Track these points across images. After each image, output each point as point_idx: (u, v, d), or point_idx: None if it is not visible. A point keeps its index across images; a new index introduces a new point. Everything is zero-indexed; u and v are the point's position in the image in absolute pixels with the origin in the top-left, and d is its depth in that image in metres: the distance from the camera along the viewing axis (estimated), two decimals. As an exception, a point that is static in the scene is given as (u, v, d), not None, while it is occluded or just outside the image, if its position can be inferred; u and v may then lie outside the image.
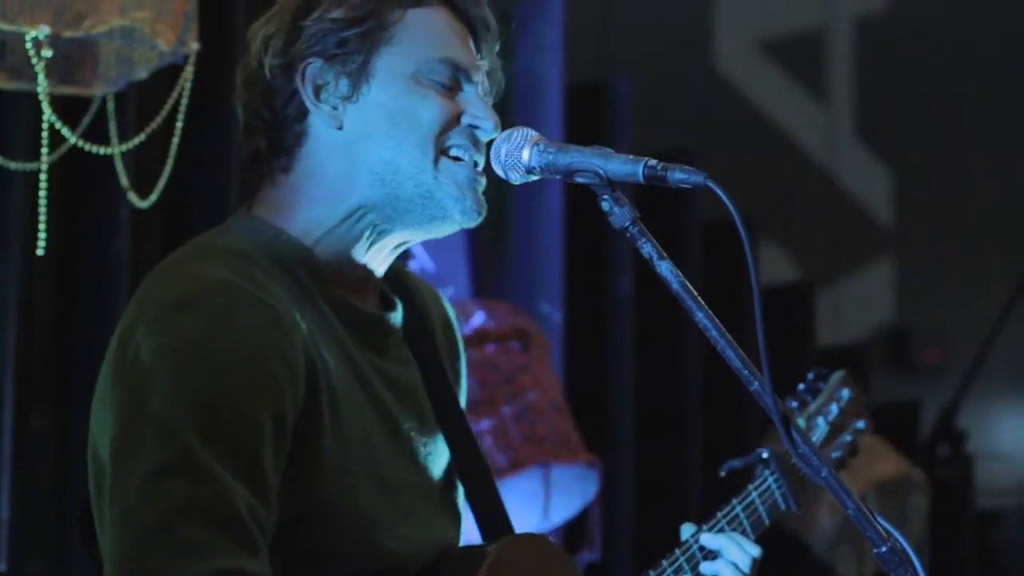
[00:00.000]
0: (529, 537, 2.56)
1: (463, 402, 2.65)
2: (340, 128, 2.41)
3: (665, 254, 2.21)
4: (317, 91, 2.41)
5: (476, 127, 2.43)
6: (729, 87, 7.48)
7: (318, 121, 2.42)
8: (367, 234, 2.43)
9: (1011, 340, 6.97)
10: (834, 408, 2.89)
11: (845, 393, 2.91)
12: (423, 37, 2.42)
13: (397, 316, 2.50)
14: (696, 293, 2.20)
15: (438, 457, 2.51)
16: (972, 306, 7.45)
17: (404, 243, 2.47)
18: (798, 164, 7.71)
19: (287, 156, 2.43)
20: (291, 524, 2.26)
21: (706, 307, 2.20)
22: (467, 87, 2.45)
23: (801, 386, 2.91)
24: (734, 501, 2.72)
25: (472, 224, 2.44)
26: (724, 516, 2.71)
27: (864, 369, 6.49)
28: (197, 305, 2.23)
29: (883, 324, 8.00)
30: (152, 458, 2.15)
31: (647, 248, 2.21)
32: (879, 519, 2.18)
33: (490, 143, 2.38)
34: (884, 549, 2.15)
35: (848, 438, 2.90)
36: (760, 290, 2.20)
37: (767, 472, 2.76)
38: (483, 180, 2.44)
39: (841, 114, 7.85)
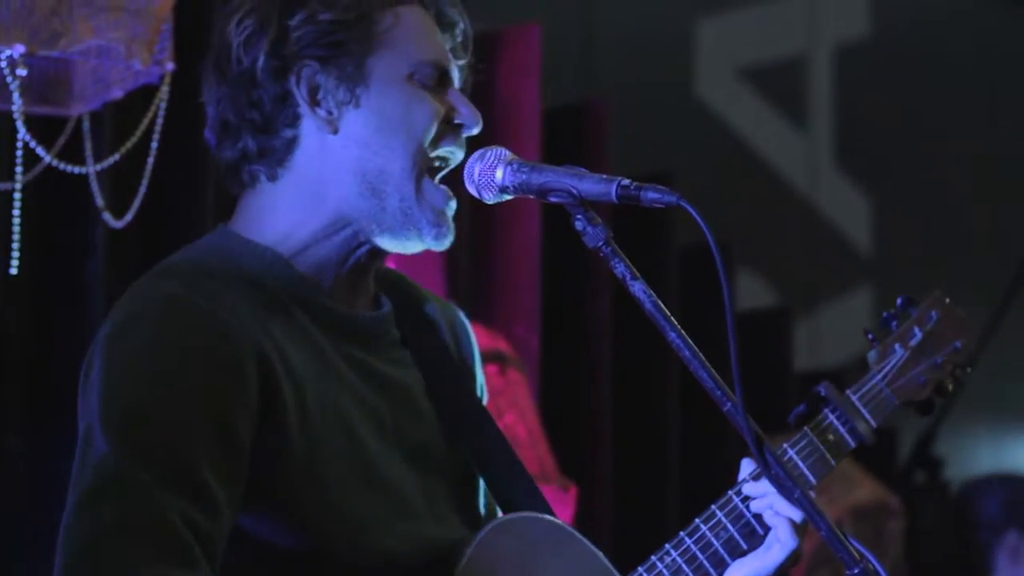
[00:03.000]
0: (518, 521, 2.44)
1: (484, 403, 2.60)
2: (335, 133, 2.38)
3: (638, 274, 2.22)
4: (313, 94, 2.38)
5: (462, 125, 2.43)
6: (709, 113, 7.48)
7: (311, 125, 2.39)
8: (347, 243, 2.41)
9: (988, 368, 6.98)
10: (917, 332, 2.68)
11: (934, 315, 2.70)
12: (412, 38, 2.42)
13: (386, 316, 2.48)
14: (668, 313, 2.21)
15: (446, 456, 2.47)
16: (951, 334, 7.44)
17: (381, 253, 2.46)
18: (778, 191, 7.71)
19: (277, 163, 2.40)
20: (270, 526, 2.25)
21: (679, 327, 2.21)
22: (449, 86, 2.46)
23: (885, 314, 2.70)
24: (785, 445, 2.53)
25: (441, 248, 2.45)
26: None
27: (842, 396, 6.46)
28: (139, 322, 2.25)
29: (861, 351, 7.99)
30: (88, 479, 2.16)
31: (620, 268, 2.22)
32: (851, 540, 2.17)
33: (463, 164, 2.39)
34: (856, 571, 2.14)
35: (939, 360, 2.70)
36: (734, 310, 2.20)
37: (828, 410, 2.60)
38: (454, 204, 2.44)
39: (821, 141, 7.86)
